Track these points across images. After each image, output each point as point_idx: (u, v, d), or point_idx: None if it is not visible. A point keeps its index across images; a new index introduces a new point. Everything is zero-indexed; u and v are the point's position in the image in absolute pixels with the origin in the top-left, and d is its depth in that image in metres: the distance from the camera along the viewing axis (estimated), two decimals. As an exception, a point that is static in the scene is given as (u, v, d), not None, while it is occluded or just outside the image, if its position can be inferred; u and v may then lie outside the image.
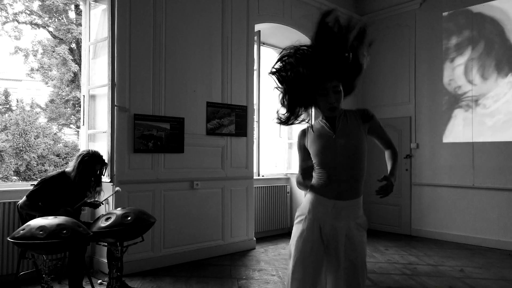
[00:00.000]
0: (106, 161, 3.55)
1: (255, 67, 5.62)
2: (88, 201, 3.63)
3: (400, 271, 4.33)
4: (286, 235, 6.19)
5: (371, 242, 5.75)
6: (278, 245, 5.51)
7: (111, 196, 3.83)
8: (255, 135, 5.65)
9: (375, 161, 6.74)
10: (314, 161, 1.92)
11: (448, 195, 5.92)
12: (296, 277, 1.86)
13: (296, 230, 1.92)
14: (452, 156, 5.91)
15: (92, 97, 4.56)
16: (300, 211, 1.96)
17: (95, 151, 3.46)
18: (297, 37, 6.22)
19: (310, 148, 1.94)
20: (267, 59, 6.29)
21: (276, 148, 6.64)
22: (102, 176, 3.53)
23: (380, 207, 6.69)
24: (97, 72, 4.50)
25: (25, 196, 3.22)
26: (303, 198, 1.94)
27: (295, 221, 1.97)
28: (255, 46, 5.60)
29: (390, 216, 6.55)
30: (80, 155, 3.40)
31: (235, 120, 5.07)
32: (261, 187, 5.87)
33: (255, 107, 5.68)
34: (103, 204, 3.70)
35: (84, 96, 4.57)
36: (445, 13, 6.04)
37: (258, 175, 5.89)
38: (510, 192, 5.32)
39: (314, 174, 1.92)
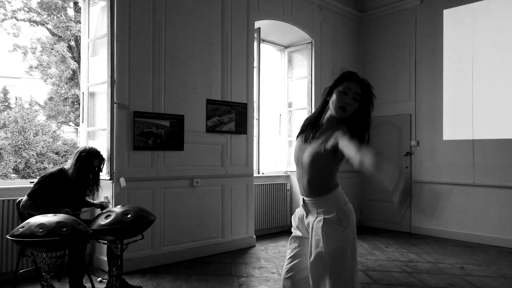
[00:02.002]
0: (104, 156, 3.53)
1: (255, 64, 5.60)
2: (95, 202, 3.62)
3: (400, 269, 4.33)
4: (286, 232, 6.18)
5: (371, 240, 5.75)
6: (278, 242, 5.50)
7: (118, 189, 3.79)
8: (255, 133, 5.64)
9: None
10: None
11: (448, 193, 5.91)
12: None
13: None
14: (452, 153, 5.90)
15: (92, 94, 4.54)
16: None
17: (92, 148, 3.46)
18: (297, 34, 6.21)
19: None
20: (267, 56, 6.27)
21: (276, 146, 6.63)
22: (100, 173, 3.51)
23: (380, 204, 6.69)
24: (96, 69, 4.48)
25: (26, 196, 3.20)
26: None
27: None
28: (255, 43, 5.58)
29: (390, 214, 6.55)
30: (77, 152, 3.39)
31: (235, 117, 5.05)
32: (261, 184, 5.86)
33: (255, 104, 5.67)
34: (110, 203, 3.68)
35: (83, 93, 4.55)
36: (445, 10, 6.02)
37: (258, 173, 5.88)
38: (510, 189, 5.32)
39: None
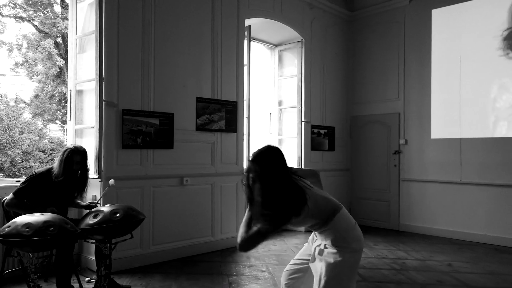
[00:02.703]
0: (86, 152, 3.44)
1: (245, 62, 5.58)
2: (83, 203, 3.56)
3: (389, 266, 4.36)
4: (276, 231, 6.19)
5: (360, 238, 5.78)
6: (268, 241, 5.50)
7: (107, 191, 3.72)
8: (245, 131, 5.62)
9: (368, 159, 6.78)
10: None
11: (436, 191, 5.99)
12: None
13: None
14: (440, 152, 5.97)
15: (79, 92, 4.48)
16: None
17: (76, 145, 3.40)
18: (288, 33, 6.20)
19: None
20: (257, 54, 6.25)
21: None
22: (87, 172, 3.45)
23: (370, 202, 6.74)
24: (84, 66, 4.41)
25: (11, 194, 3.14)
26: None
27: None
28: (245, 41, 5.56)
29: (379, 212, 6.60)
30: (63, 151, 3.34)
31: (225, 115, 5.03)
32: (251, 183, 5.84)
33: (245, 102, 5.65)
34: (99, 204, 3.62)
35: (71, 91, 4.48)
36: (434, 10, 6.08)
37: (248, 171, 5.85)
38: (497, 187, 5.40)
39: None
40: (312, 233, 2.19)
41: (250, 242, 1.87)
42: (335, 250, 1.97)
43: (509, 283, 3.83)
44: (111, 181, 3.50)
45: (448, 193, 5.86)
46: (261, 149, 1.95)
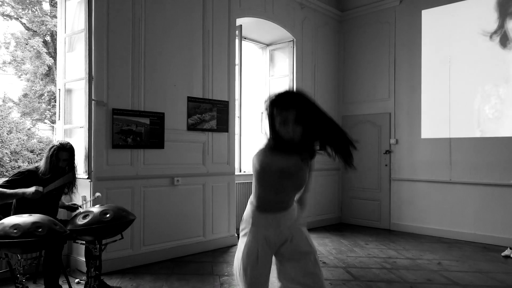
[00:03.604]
0: (73, 149, 3.40)
1: (237, 61, 5.56)
2: (66, 204, 3.53)
3: (380, 265, 4.39)
4: (267, 230, 6.19)
5: (351, 237, 5.81)
6: (259, 241, 5.50)
7: (90, 201, 3.70)
8: (237, 131, 5.61)
9: (359, 159, 6.81)
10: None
11: (426, 190, 6.04)
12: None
13: (241, 243, 1.93)
14: (430, 151, 6.02)
15: (68, 91, 4.42)
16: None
17: (63, 141, 3.35)
18: (279, 32, 6.20)
19: None
20: (249, 54, 6.24)
21: (258, 144, 6.60)
22: (75, 170, 3.41)
23: (360, 202, 6.78)
24: (73, 65, 4.36)
25: None
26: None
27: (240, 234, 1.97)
28: (237, 41, 5.54)
29: (370, 211, 6.64)
30: (49, 148, 3.31)
31: (216, 115, 5.01)
32: (243, 183, 5.84)
33: (237, 102, 5.64)
34: (81, 208, 3.58)
35: (59, 90, 4.42)
36: (424, 11, 6.13)
37: (240, 171, 5.86)
38: (485, 186, 5.47)
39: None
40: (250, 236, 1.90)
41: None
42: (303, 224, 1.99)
43: (497, 281, 3.88)
44: (97, 194, 3.49)
45: (438, 192, 5.92)
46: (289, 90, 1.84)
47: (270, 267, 1.91)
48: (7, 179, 3.18)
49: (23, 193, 3.03)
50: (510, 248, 4.86)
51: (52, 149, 3.26)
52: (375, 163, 6.60)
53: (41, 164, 3.27)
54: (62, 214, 4.00)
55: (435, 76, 6.01)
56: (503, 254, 4.83)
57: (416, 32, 6.21)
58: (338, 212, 7.03)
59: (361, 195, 6.79)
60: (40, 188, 3.05)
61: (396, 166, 6.40)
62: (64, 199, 3.64)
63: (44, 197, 3.17)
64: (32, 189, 3.04)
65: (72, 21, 4.42)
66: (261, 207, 1.87)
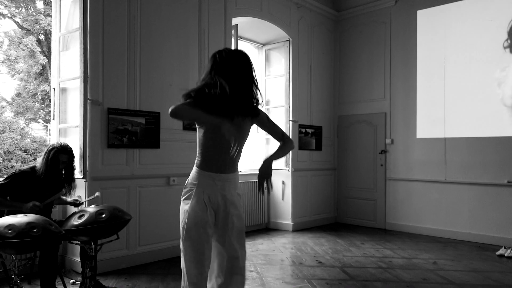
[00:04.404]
0: (73, 152, 3.38)
1: (233, 61, 5.54)
2: (69, 200, 3.49)
3: (376, 265, 4.40)
4: (264, 230, 6.19)
5: (347, 237, 5.82)
6: (255, 240, 5.49)
7: (91, 199, 3.66)
8: (233, 130, 5.59)
9: (355, 159, 6.83)
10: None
11: (422, 190, 6.07)
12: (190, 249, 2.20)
13: (184, 204, 2.13)
14: (425, 151, 6.05)
15: (63, 90, 4.38)
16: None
17: (62, 143, 3.32)
18: (275, 32, 6.20)
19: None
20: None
21: (253, 144, 6.61)
22: (73, 171, 3.39)
23: (356, 202, 6.80)
24: (68, 64, 4.32)
25: None
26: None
27: (183, 198, 2.15)
28: (233, 40, 5.53)
29: (366, 211, 6.66)
30: (47, 149, 3.26)
31: (212, 115, 4.98)
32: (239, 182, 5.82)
33: (233, 102, 5.61)
34: (84, 204, 3.55)
35: (54, 89, 4.38)
36: (419, 11, 6.16)
37: (235, 171, 5.83)
38: (480, 186, 5.50)
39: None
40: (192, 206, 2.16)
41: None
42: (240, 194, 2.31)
43: (492, 280, 3.90)
44: (97, 193, 3.45)
45: (433, 192, 5.94)
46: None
47: (212, 229, 2.14)
48: (3, 179, 3.13)
49: (20, 208, 2.99)
50: (505, 247, 4.90)
51: (52, 151, 3.21)
52: (370, 163, 6.62)
53: (38, 165, 3.22)
54: (57, 214, 3.97)
55: (430, 76, 6.03)
56: (497, 253, 4.87)
57: (411, 32, 6.24)
58: (334, 211, 7.04)
59: (356, 194, 6.80)
60: (37, 203, 3.03)
61: (391, 166, 6.43)
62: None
63: (40, 197, 3.15)
64: (29, 204, 3.01)
65: (66, 19, 4.38)
66: (205, 166, 2.09)
